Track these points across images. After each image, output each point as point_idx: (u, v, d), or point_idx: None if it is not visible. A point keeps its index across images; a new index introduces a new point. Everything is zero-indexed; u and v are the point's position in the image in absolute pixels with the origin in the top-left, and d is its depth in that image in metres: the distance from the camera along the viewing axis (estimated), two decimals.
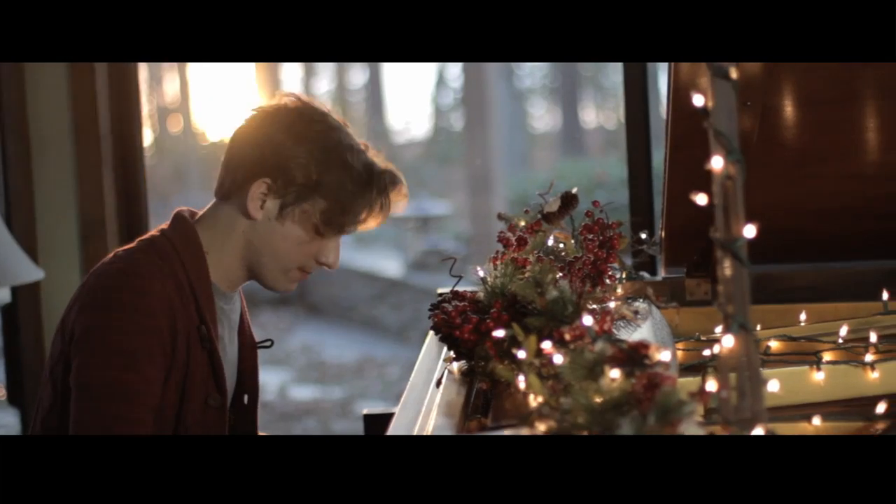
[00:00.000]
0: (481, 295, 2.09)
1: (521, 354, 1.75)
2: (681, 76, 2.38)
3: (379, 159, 2.29)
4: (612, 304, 1.95)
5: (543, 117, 20.62)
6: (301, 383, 9.64)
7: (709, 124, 1.43)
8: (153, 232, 2.29)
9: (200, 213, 2.34)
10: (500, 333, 1.91)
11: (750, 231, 1.41)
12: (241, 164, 2.25)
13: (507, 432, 1.69)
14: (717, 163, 1.42)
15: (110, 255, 2.26)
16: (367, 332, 12.08)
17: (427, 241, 13.08)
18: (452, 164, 18.02)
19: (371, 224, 2.31)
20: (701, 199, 1.47)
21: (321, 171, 2.22)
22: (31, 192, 3.83)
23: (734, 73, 1.43)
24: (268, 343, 2.47)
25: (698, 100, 1.46)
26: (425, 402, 2.02)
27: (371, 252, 14.27)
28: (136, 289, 2.15)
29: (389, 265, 13.11)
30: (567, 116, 18.76)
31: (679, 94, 2.40)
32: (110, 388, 2.11)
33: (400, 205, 2.32)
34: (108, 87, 3.87)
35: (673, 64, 2.36)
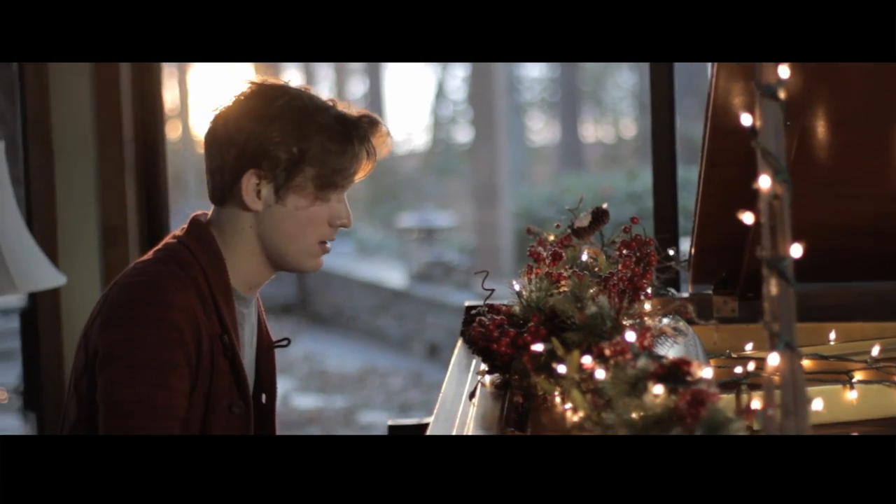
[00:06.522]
0: (516, 309, 2.10)
1: (561, 369, 1.76)
2: (719, 94, 2.39)
3: (350, 109, 2.28)
4: (650, 320, 1.96)
5: (542, 131, 20.63)
6: (304, 392, 9.64)
7: (756, 144, 1.43)
8: (168, 239, 2.27)
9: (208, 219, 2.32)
10: (537, 347, 1.92)
11: (796, 250, 1.42)
12: (223, 165, 2.24)
13: None
14: (764, 182, 1.42)
15: (130, 266, 2.24)
16: (370, 342, 12.08)
17: (431, 253, 13.08)
18: (452, 175, 18.02)
19: (365, 171, 2.30)
20: (748, 217, 1.48)
21: (299, 142, 2.21)
22: (52, 197, 3.82)
23: (782, 94, 1.43)
24: (284, 342, 2.46)
25: (746, 119, 1.47)
26: (458, 414, 2.02)
27: (374, 262, 14.28)
28: (159, 302, 2.13)
29: (393, 276, 13.10)
30: (566, 130, 18.76)
31: (717, 113, 2.41)
32: (139, 405, 2.09)
33: (385, 146, 2.31)
34: (131, 91, 3.87)
35: (711, 82, 2.37)
